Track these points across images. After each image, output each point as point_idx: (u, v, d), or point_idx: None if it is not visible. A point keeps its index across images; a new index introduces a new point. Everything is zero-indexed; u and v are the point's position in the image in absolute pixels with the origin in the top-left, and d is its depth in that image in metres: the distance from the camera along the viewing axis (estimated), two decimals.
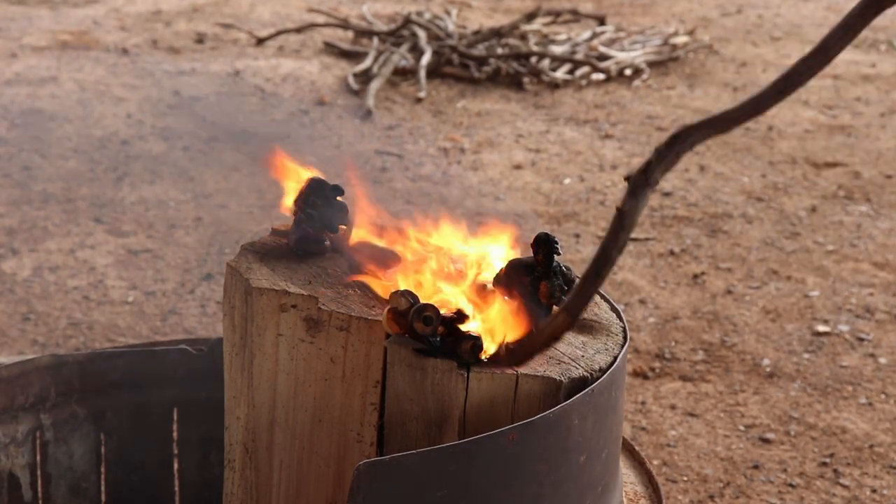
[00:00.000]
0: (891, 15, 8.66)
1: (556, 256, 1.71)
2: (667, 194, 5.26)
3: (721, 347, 3.90)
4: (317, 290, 1.74)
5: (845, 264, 4.58)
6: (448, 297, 1.72)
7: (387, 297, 1.69)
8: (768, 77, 7.07)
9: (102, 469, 2.23)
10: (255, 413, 1.78)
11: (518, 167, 5.62)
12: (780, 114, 6.50)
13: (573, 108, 6.63)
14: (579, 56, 7.32)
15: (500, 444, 1.53)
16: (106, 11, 8.58)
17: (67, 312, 3.99)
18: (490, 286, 1.76)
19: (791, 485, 3.19)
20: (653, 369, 3.75)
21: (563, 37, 7.84)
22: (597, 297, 1.85)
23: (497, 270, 1.76)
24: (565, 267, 1.72)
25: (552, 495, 1.60)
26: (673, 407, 3.55)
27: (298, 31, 8.06)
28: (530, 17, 8.00)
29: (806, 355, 3.87)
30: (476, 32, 7.67)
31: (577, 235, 4.78)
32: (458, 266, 1.83)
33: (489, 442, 1.52)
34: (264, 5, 8.96)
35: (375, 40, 7.68)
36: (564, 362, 1.64)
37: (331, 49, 7.71)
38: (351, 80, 6.89)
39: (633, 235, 4.82)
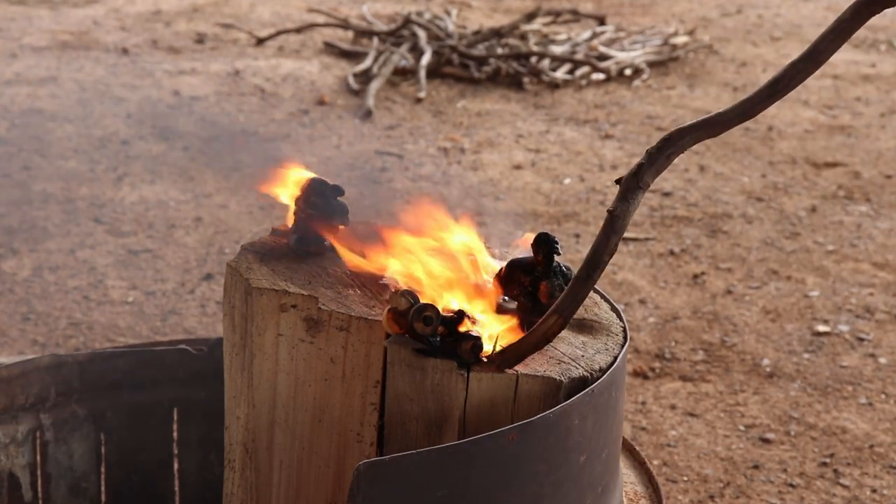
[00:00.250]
0: (891, 15, 8.66)
1: (556, 256, 1.71)
2: (667, 194, 5.26)
3: (721, 347, 3.90)
4: (317, 290, 1.74)
5: (845, 264, 4.58)
6: (448, 296, 1.72)
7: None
8: (768, 77, 7.07)
9: (102, 469, 2.23)
10: (255, 413, 1.78)
11: (518, 167, 5.63)
12: (780, 114, 6.50)
13: (573, 108, 6.63)
14: (579, 56, 7.32)
15: (500, 444, 1.53)
16: (106, 11, 8.58)
17: (67, 312, 3.99)
18: (489, 285, 1.76)
19: (791, 485, 3.19)
20: (653, 369, 3.75)
21: (563, 37, 7.84)
22: (597, 297, 1.85)
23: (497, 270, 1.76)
24: (565, 267, 1.72)
25: (552, 495, 1.60)
26: (673, 407, 3.55)
27: (298, 31, 8.06)
28: (530, 17, 8.00)
29: (806, 355, 3.87)
30: (476, 32, 7.67)
31: (577, 235, 4.78)
32: (455, 264, 1.83)
33: (489, 442, 1.52)
34: (264, 5, 8.96)
35: (375, 40, 7.68)
36: (564, 362, 1.64)
37: (331, 49, 7.71)
38: (351, 80, 6.89)
39: (633, 235, 4.83)
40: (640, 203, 1.59)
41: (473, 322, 1.63)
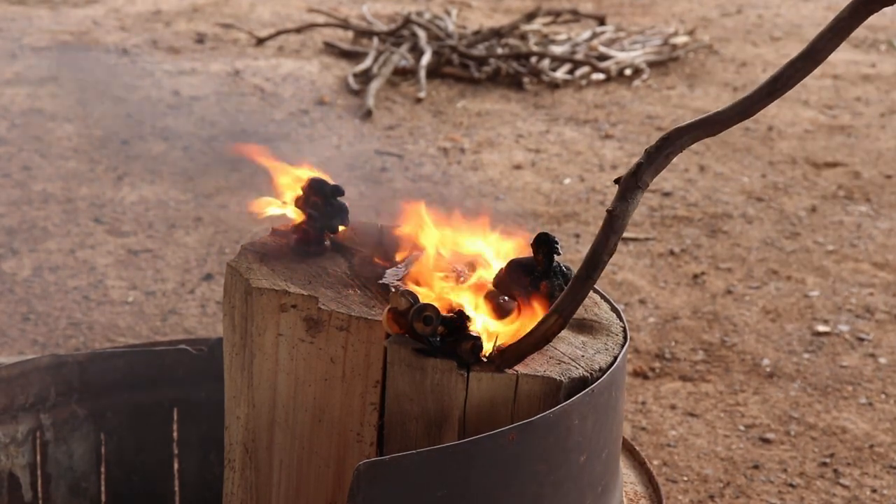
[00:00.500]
0: (891, 15, 8.66)
1: (556, 256, 1.71)
2: (667, 194, 5.26)
3: (721, 347, 3.90)
4: (317, 290, 1.74)
5: (845, 264, 4.58)
6: (448, 296, 1.72)
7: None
8: (768, 77, 7.06)
9: (102, 469, 2.23)
10: (255, 413, 1.78)
11: (518, 167, 5.63)
12: (780, 114, 6.50)
13: (573, 108, 6.63)
14: (579, 56, 7.32)
15: (500, 444, 1.53)
16: (106, 11, 8.58)
17: (67, 312, 3.99)
18: (489, 285, 1.76)
19: (791, 485, 3.19)
20: (653, 369, 3.75)
21: (563, 37, 7.84)
22: (597, 297, 1.85)
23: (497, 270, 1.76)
24: (565, 267, 1.72)
25: (552, 495, 1.60)
26: (673, 407, 3.55)
27: (298, 31, 8.06)
28: (530, 17, 8.00)
29: (806, 355, 3.87)
30: (476, 32, 7.67)
31: (577, 235, 4.78)
32: (456, 264, 1.83)
33: (489, 442, 1.52)
34: (264, 5, 8.96)
35: (375, 40, 7.68)
36: (564, 362, 1.64)
37: (331, 49, 7.71)
38: (351, 80, 6.89)
39: (633, 235, 4.82)
40: (641, 203, 1.59)
41: (472, 321, 1.63)
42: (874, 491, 3.18)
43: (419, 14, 8.04)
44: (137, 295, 4.14)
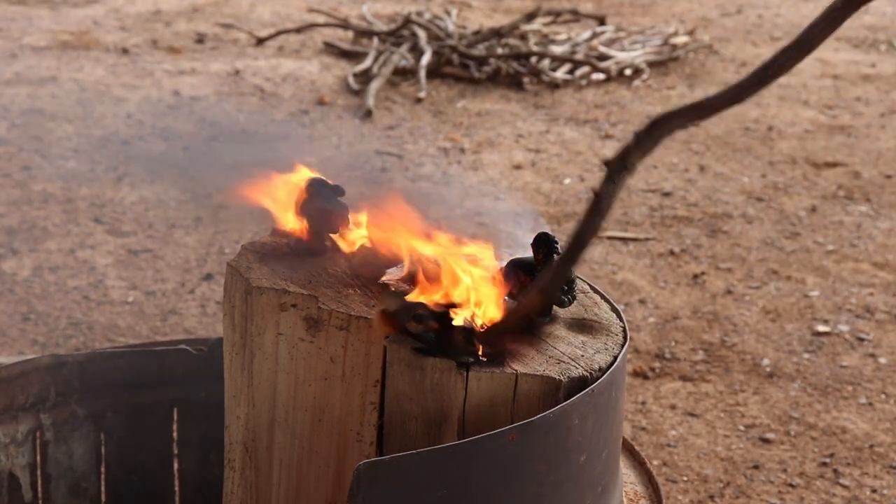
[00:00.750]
0: (891, 15, 8.66)
1: (555, 256, 1.71)
2: (667, 194, 5.26)
3: (721, 347, 3.90)
4: (317, 289, 1.74)
5: (845, 264, 4.58)
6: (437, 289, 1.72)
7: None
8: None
9: (102, 469, 2.23)
10: (255, 412, 1.78)
11: (518, 167, 5.63)
12: (780, 114, 6.50)
13: (573, 108, 6.63)
14: (579, 56, 7.32)
15: (500, 444, 1.53)
16: (106, 11, 8.58)
17: (67, 312, 3.99)
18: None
19: (791, 485, 3.19)
20: (653, 369, 3.75)
21: (563, 37, 7.84)
22: (597, 297, 1.85)
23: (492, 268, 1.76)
24: None
25: (552, 495, 1.60)
26: (673, 407, 3.55)
27: (298, 31, 8.06)
28: (530, 17, 8.00)
29: (806, 355, 3.87)
30: (476, 32, 7.67)
31: None
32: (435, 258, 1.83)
33: (489, 442, 1.52)
34: (264, 5, 8.96)
35: (375, 40, 7.68)
36: (564, 362, 1.64)
37: (331, 49, 7.71)
38: (351, 80, 6.89)
39: (633, 235, 4.81)
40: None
41: (457, 310, 1.63)
42: (874, 491, 3.18)
43: (419, 14, 8.04)
44: (137, 295, 4.14)
